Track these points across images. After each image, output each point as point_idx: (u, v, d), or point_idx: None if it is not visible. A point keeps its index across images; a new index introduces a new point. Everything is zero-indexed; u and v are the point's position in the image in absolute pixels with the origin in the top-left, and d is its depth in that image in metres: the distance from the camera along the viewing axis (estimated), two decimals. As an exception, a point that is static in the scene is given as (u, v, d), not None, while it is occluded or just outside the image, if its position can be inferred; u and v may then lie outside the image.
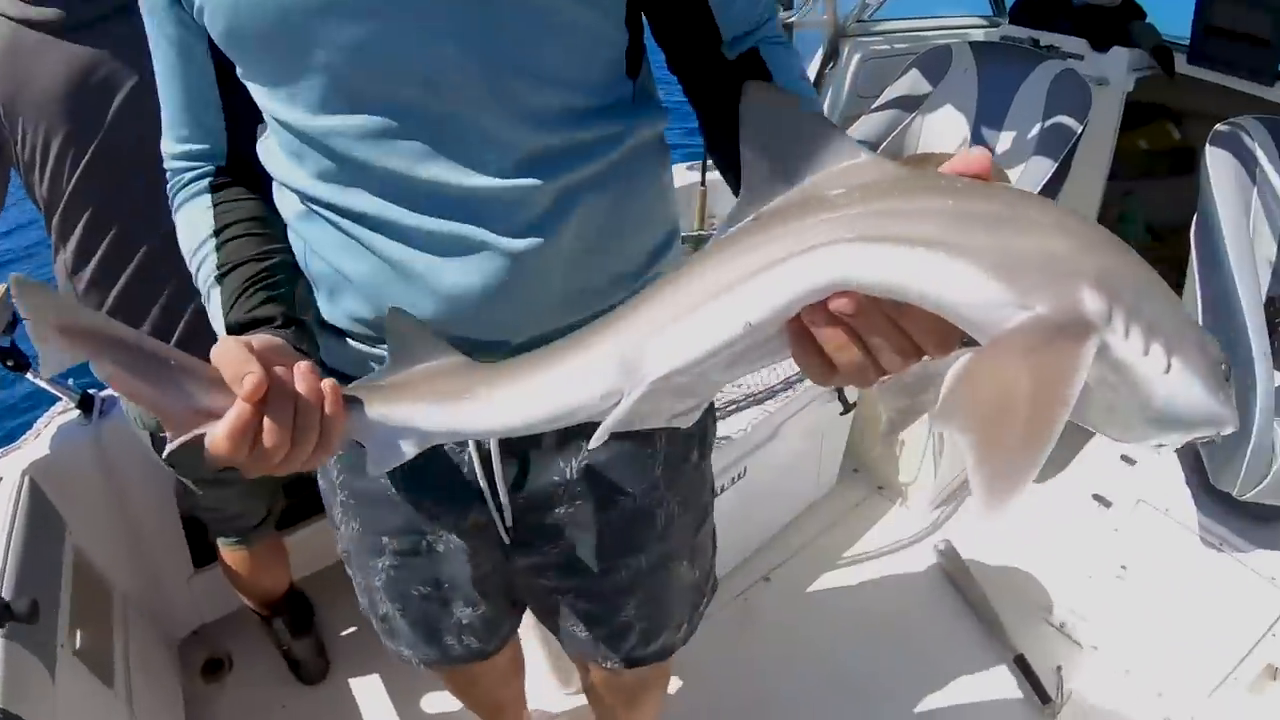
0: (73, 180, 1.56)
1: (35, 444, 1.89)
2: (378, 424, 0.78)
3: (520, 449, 1.06)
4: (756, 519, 2.50)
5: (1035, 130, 2.67)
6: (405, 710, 2.15)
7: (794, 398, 2.20)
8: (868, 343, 0.58)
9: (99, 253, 1.61)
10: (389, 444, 0.79)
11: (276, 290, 0.89)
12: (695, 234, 2.60)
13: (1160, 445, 0.62)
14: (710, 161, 2.30)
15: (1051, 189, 2.51)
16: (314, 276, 0.96)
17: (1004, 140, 2.75)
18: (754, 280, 0.58)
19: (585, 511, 1.11)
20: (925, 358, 0.60)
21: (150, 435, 1.73)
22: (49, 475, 1.84)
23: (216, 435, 0.69)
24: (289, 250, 0.95)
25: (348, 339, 0.98)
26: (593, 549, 1.14)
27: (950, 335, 0.58)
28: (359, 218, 0.87)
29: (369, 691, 2.20)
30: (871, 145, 2.82)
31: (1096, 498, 2.62)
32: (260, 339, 0.75)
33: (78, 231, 1.60)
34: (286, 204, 0.94)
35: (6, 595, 1.46)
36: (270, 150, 0.91)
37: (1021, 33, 3.23)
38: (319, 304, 0.98)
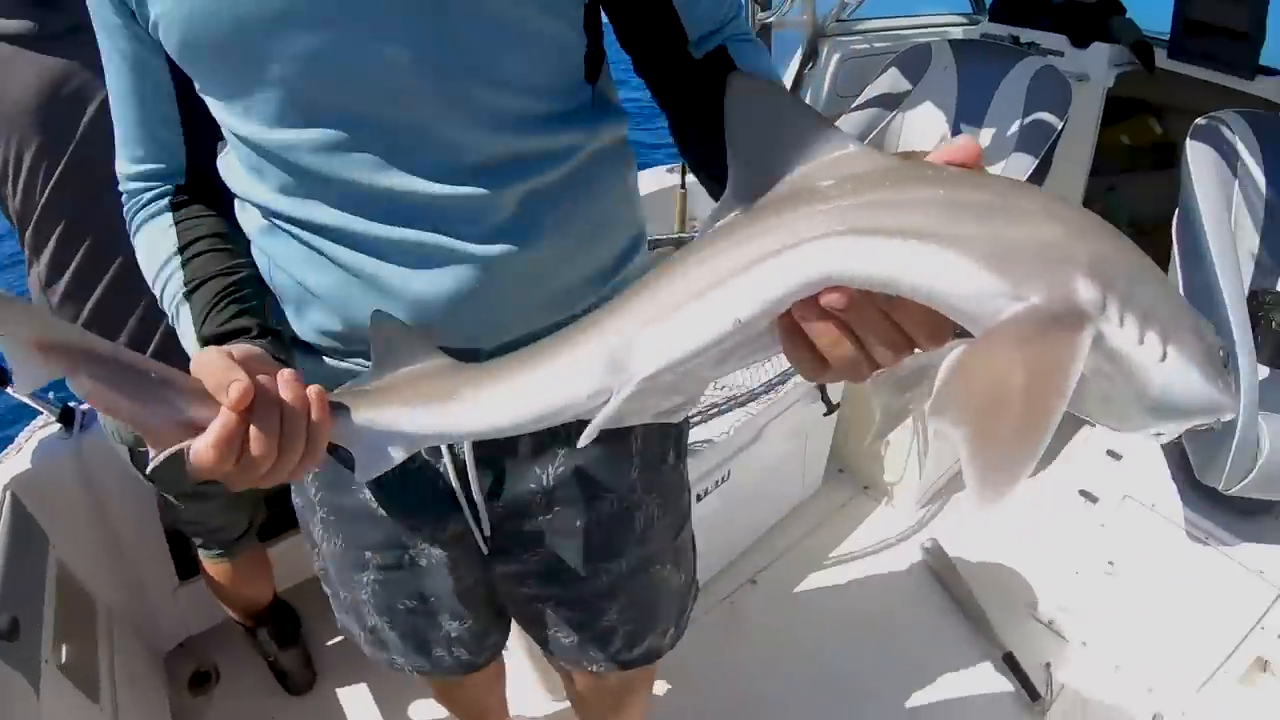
0: (45, 193, 1.55)
1: (16, 458, 1.88)
2: (364, 429, 0.77)
3: (496, 457, 1.05)
4: (741, 522, 2.49)
5: (1015, 127, 2.67)
6: (392, 719, 2.14)
7: (777, 399, 2.19)
8: (860, 337, 0.57)
9: (73, 265, 1.60)
10: (376, 449, 0.78)
11: (248, 303, 0.89)
12: (675, 236, 2.60)
13: (1158, 434, 0.61)
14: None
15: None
16: (279, 292, 0.95)
17: (984, 137, 2.75)
18: (744, 276, 0.57)
19: (564, 518, 1.11)
20: (918, 350, 0.60)
21: (129, 450, 1.72)
22: (30, 490, 1.83)
23: (202, 446, 0.68)
24: (255, 265, 0.94)
25: (317, 354, 0.98)
26: (572, 555, 1.13)
27: (943, 327, 0.57)
28: (322, 230, 0.86)
29: (356, 701, 2.19)
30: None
31: (1083, 493, 2.62)
32: (240, 348, 0.74)
33: (51, 244, 1.59)
34: (249, 219, 0.93)
35: (-11, 611, 1.45)
36: (230, 166, 0.91)
37: (1001, 30, 3.24)
38: (286, 320, 0.97)
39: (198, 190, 0.95)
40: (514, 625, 1.38)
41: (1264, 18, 2.85)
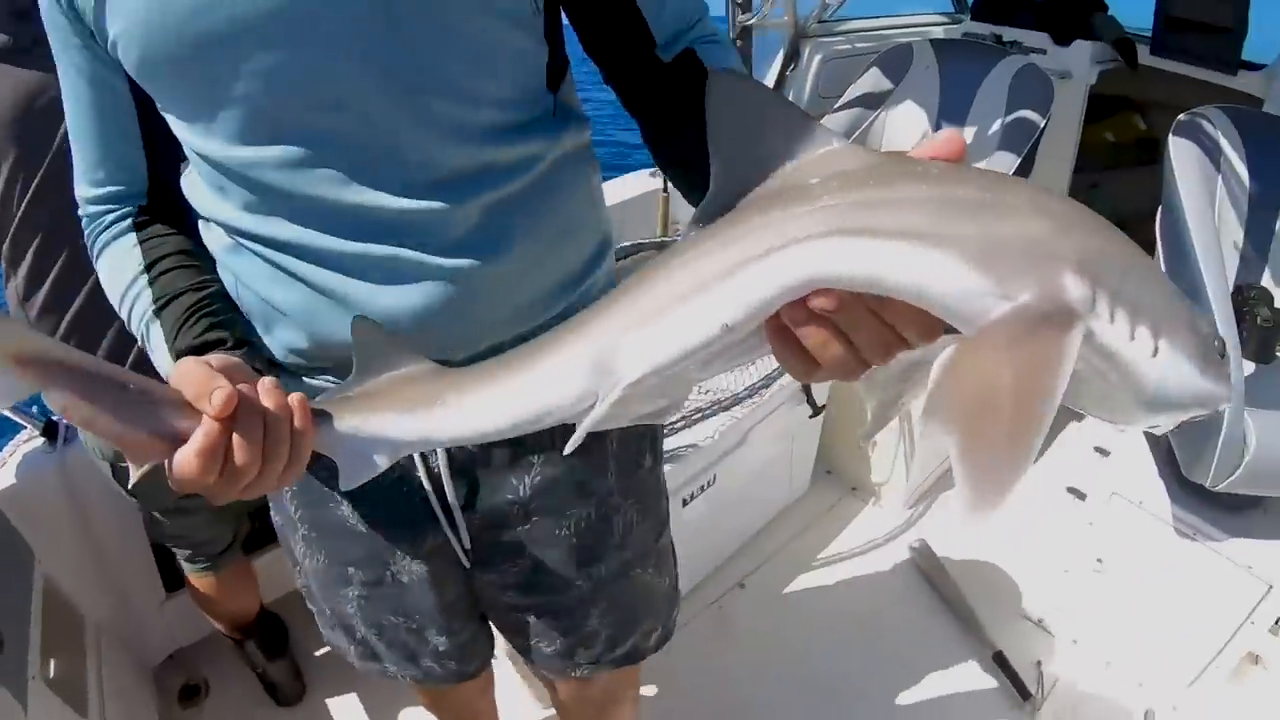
0: (22, 205, 1.54)
1: (0, 474, 1.87)
2: (348, 437, 0.76)
3: (470, 468, 1.05)
4: (729, 526, 2.49)
5: (998, 126, 2.68)
6: (383, 728, 2.14)
7: (762, 403, 2.19)
8: (850, 337, 0.56)
9: (51, 277, 1.59)
10: (360, 456, 0.77)
11: (219, 317, 0.88)
12: (658, 240, 2.60)
13: (1154, 426, 0.60)
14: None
15: (1015, 184, 2.51)
16: (247, 310, 0.94)
17: (967, 136, 2.74)
18: (731, 279, 0.56)
19: (542, 527, 1.10)
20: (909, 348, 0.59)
21: (110, 466, 1.71)
22: (15, 504, 1.83)
23: (185, 457, 0.67)
24: (222, 282, 0.94)
25: (286, 371, 0.97)
26: (553, 564, 1.13)
27: (935, 325, 0.55)
28: (287, 247, 0.86)
29: (346, 712, 2.19)
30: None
31: (1071, 490, 2.62)
32: (219, 358, 0.73)
33: (28, 257, 1.58)
34: (213, 238, 0.93)
35: (-26, 628, 1.45)
36: (194, 184, 0.90)
37: (983, 29, 3.25)
38: (258, 335, 0.97)
39: (160, 210, 0.95)
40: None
41: (1245, 12, 2.86)
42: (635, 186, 2.94)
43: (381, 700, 2.16)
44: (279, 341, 0.94)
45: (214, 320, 0.87)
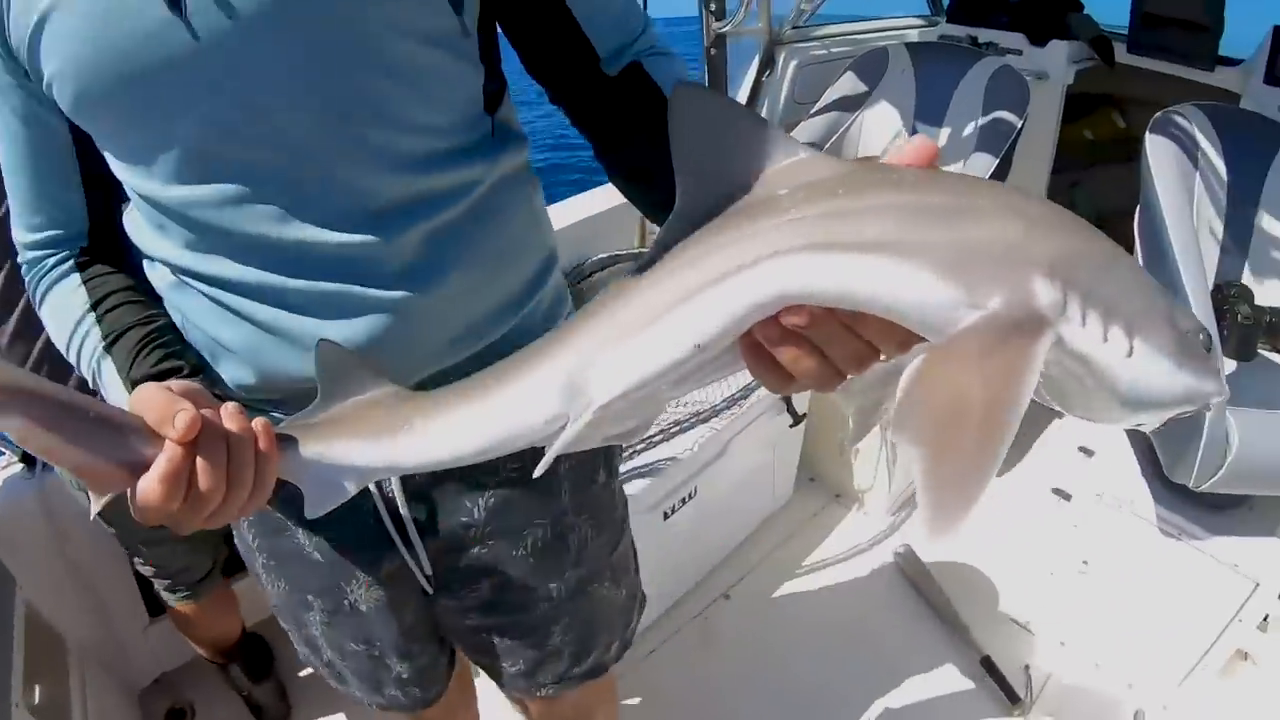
0: (-13, 234, 1.54)
1: None
2: (313, 463, 0.75)
3: (425, 492, 1.04)
4: (711, 537, 2.48)
5: (975, 127, 2.68)
6: (368, 749, 2.12)
7: (741, 414, 2.19)
8: (825, 352, 0.56)
9: (21, 303, 1.58)
10: (326, 483, 0.76)
11: (171, 347, 0.88)
12: (634, 251, 2.59)
13: (1140, 425, 0.59)
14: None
15: (994, 185, 2.51)
16: (194, 345, 0.94)
17: (944, 138, 2.75)
18: (700, 297, 0.55)
19: (498, 549, 1.10)
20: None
21: (86, 494, 1.70)
22: (-6, 531, 1.82)
23: (148, 484, 0.65)
24: (169, 316, 0.93)
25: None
26: (511, 585, 1.13)
27: (910, 337, 0.55)
28: (230, 285, 0.85)
29: (331, 732, 2.17)
30: (812, 152, 2.82)
31: (1056, 491, 2.61)
32: (179, 383, 0.71)
33: (-2, 284, 1.58)
34: (157, 276, 0.92)
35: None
36: (135, 223, 0.90)
37: (960, 31, 3.25)
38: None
39: (101, 250, 0.94)
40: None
41: (1221, 9, 2.86)
42: (613, 197, 2.91)
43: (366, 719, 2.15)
44: (228, 377, 0.93)
45: (167, 350, 0.87)
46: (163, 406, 0.66)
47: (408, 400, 0.74)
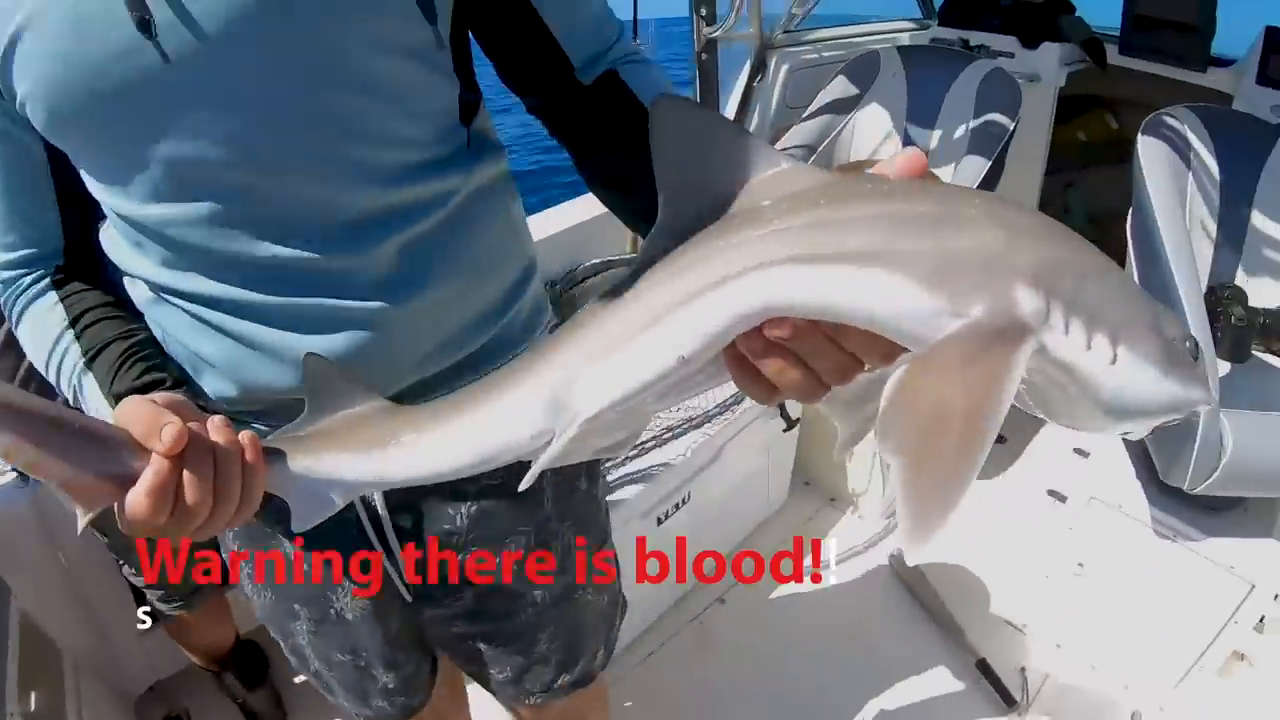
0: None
1: None
2: (301, 476, 0.75)
3: (409, 502, 1.04)
4: (707, 541, 2.48)
5: (967, 131, 2.67)
6: (364, 756, 2.12)
7: (734, 419, 2.19)
8: (809, 364, 0.56)
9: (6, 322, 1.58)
10: (314, 497, 0.75)
11: (153, 360, 0.88)
12: (626, 257, 2.59)
13: (1126, 433, 0.59)
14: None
15: (987, 187, 2.51)
16: (176, 359, 0.94)
17: (936, 142, 2.75)
18: (684, 310, 0.56)
19: (481, 557, 1.10)
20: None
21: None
22: (-11, 540, 1.81)
23: (135, 497, 0.65)
24: (149, 330, 0.93)
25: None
26: (495, 593, 1.13)
27: (894, 350, 0.55)
28: (208, 301, 0.85)
29: (326, 739, 2.17)
30: (802, 155, 2.82)
31: (1051, 493, 2.61)
32: (163, 396, 0.71)
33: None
34: (137, 293, 0.92)
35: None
36: (113, 240, 0.89)
37: (951, 34, 3.25)
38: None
39: (78, 268, 0.93)
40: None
41: (1213, 10, 2.86)
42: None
43: (361, 727, 2.15)
44: (210, 390, 0.93)
45: (149, 364, 0.86)
46: (149, 419, 0.66)
47: (396, 414, 0.74)
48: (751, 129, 3.12)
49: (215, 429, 0.70)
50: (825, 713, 2.14)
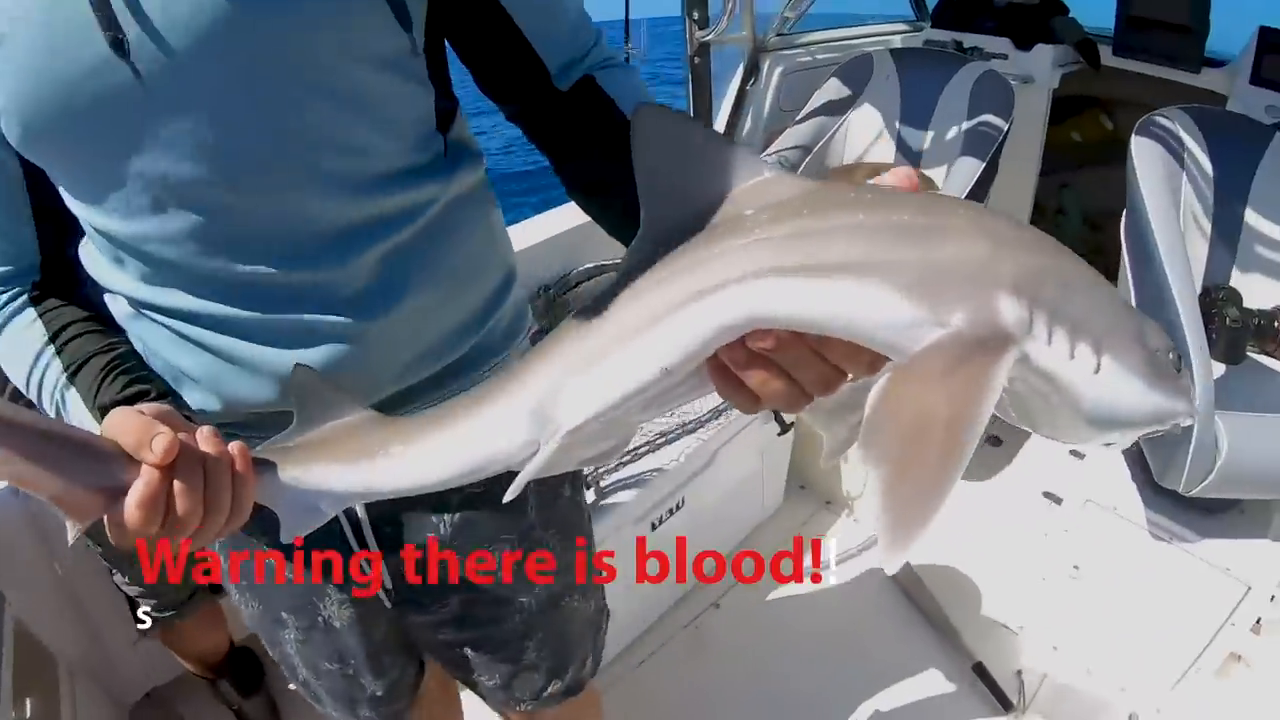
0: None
1: None
2: (289, 487, 0.75)
3: (392, 511, 1.04)
4: (702, 546, 2.46)
5: (960, 133, 2.68)
6: (360, 763, 2.12)
7: (728, 424, 2.19)
8: (792, 374, 0.56)
9: None
10: (302, 507, 0.76)
11: (136, 373, 0.87)
12: (621, 261, 2.57)
13: (1109, 444, 0.59)
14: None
15: (981, 188, 2.52)
16: (158, 373, 0.93)
17: (929, 144, 2.76)
18: (666, 321, 0.56)
19: (466, 565, 1.10)
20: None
21: None
22: (-17, 548, 1.81)
23: (126, 508, 0.65)
24: (131, 343, 0.92)
25: None
26: (481, 600, 1.13)
27: (877, 361, 0.55)
28: (188, 317, 0.85)
29: (322, 746, 2.17)
30: (796, 158, 2.82)
31: (1047, 495, 2.61)
32: (150, 406, 0.71)
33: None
34: (117, 308, 0.91)
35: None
36: (91, 255, 0.89)
37: (944, 36, 3.25)
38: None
39: (55, 284, 0.92)
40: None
41: (1206, 11, 2.86)
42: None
43: (357, 734, 2.14)
44: (191, 402, 0.93)
45: (133, 376, 0.86)
46: (139, 430, 0.66)
47: (384, 425, 0.74)
48: (745, 132, 3.12)
49: (205, 439, 0.70)
50: (821, 717, 2.13)
